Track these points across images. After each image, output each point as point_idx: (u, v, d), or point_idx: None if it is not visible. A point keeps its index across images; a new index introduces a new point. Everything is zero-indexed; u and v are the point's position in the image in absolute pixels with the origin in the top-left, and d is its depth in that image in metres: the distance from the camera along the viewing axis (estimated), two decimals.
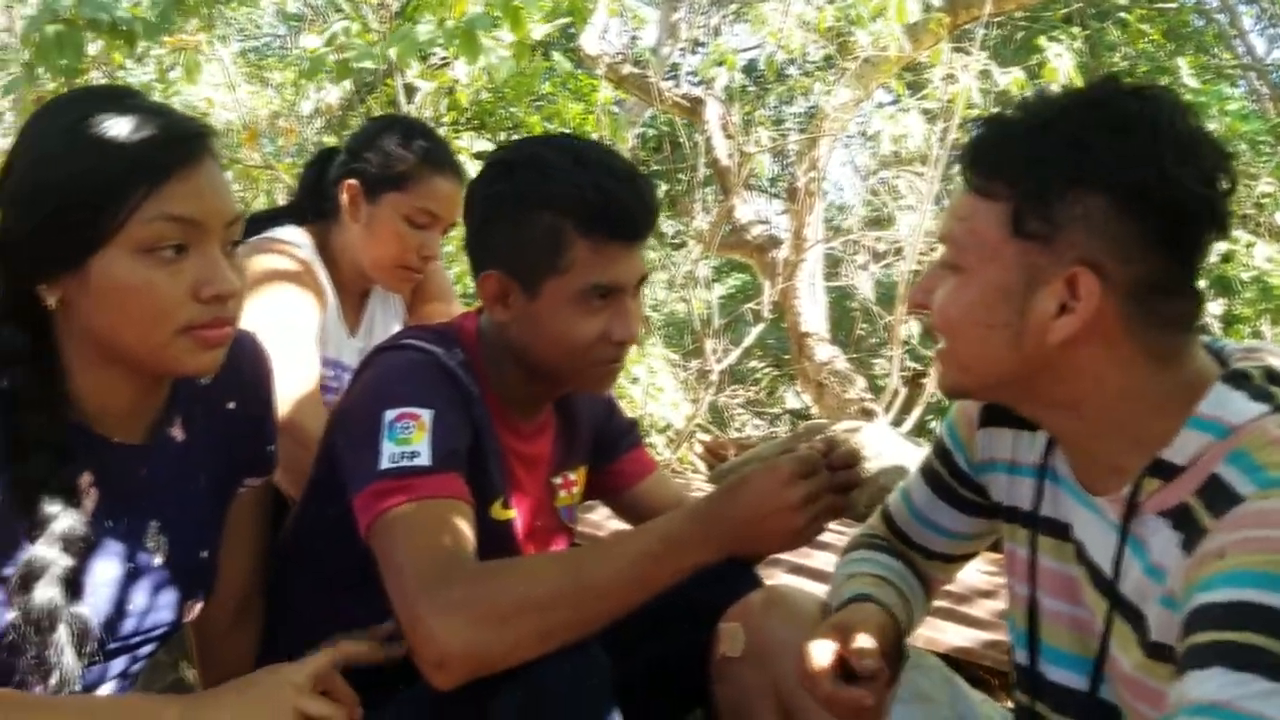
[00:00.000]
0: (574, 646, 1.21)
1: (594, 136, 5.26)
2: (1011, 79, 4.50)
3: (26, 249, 1.11)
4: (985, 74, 4.56)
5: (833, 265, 6.00)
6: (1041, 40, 4.73)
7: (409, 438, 1.31)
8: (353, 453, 1.35)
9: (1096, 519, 1.13)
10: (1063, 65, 4.41)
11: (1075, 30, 6.86)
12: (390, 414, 1.33)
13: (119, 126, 1.11)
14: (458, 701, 1.19)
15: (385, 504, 1.27)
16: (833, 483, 1.30)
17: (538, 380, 1.51)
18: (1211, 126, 5.33)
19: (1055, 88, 4.41)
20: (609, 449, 1.75)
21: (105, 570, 1.21)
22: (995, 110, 1.14)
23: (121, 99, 1.15)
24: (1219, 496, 0.99)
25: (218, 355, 1.19)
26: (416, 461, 1.29)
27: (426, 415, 1.33)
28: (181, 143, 1.13)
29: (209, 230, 1.14)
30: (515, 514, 1.52)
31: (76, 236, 1.09)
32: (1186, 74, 6.17)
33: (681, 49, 7.34)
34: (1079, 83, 4.45)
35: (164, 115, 1.15)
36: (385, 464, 1.29)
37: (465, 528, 1.27)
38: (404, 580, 1.21)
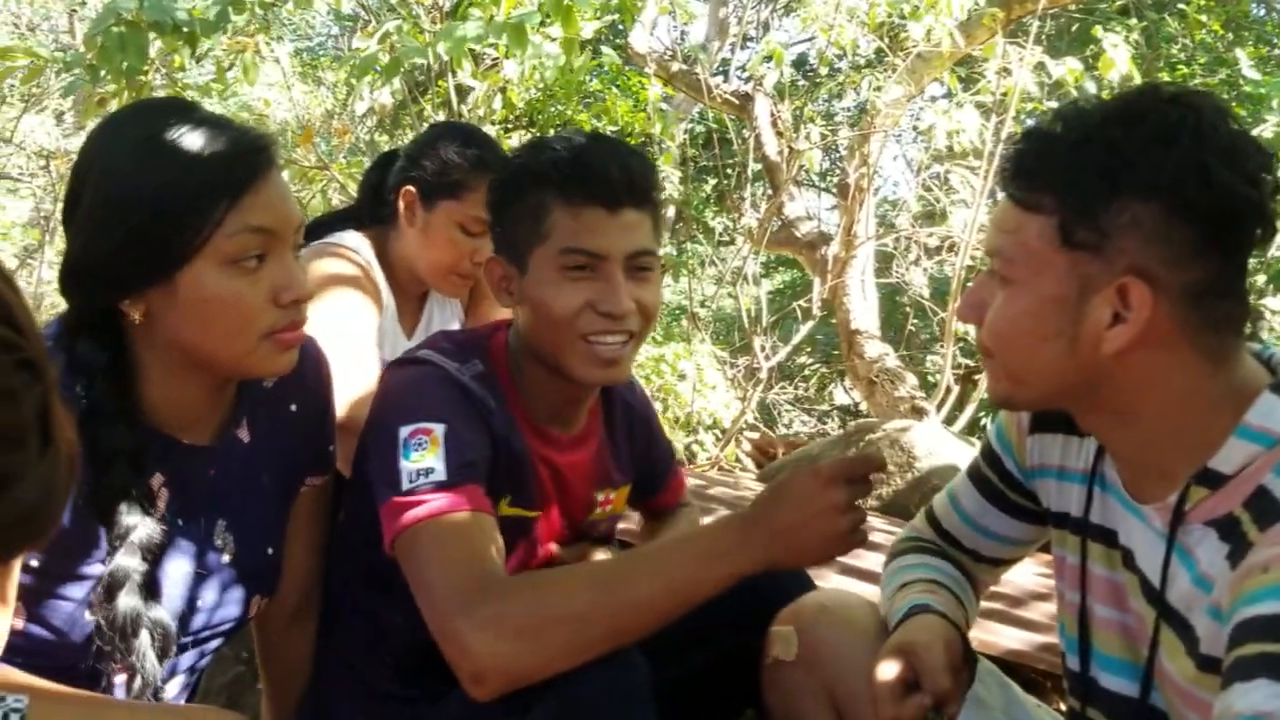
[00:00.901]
0: (611, 655, 1.21)
1: (643, 134, 5.27)
2: (1066, 69, 4.43)
3: (109, 268, 1.14)
4: (1040, 66, 4.49)
5: (884, 261, 5.95)
6: (1097, 30, 4.64)
7: (423, 454, 1.32)
8: (376, 466, 1.37)
9: (1143, 527, 1.13)
10: (1120, 56, 4.32)
11: (1132, 22, 6.74)
12: (405, 430, 1.34)
13: (189, 141, 1.14)
14: (497, 710, 1.20)
15: (407, 519, 1.28)
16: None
17: (557, 377, 1.47)
18: (1273, 119, 5.23)
19: (1114, 77, 4.33)
20: (651, 483, 1.76)
21: (177, 569, 1.25)
22: (1033, 123, 1.13)
23: (183, 112, 1.17)
24: (1266, 509, 0.98)
25: (293, 356, 1.23)
26: (433, 477, 1.30)
27: (439, 430, 1.33)
28: (253, 155, 1.16)
29: (283, 238, 1.18)
30: (537, 515, 1.52)
31: (162, 253, 1.12)
32: (1246, 65, 6.02)
33: (731, 44, 7.33)
34: (1136, 75, 4.38)
35: (230, 128, 1.18)
36: (404, 481, 1.30)
37: (490, 539, 1.28)
38: (434, 595, 1.22)
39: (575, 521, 1.59)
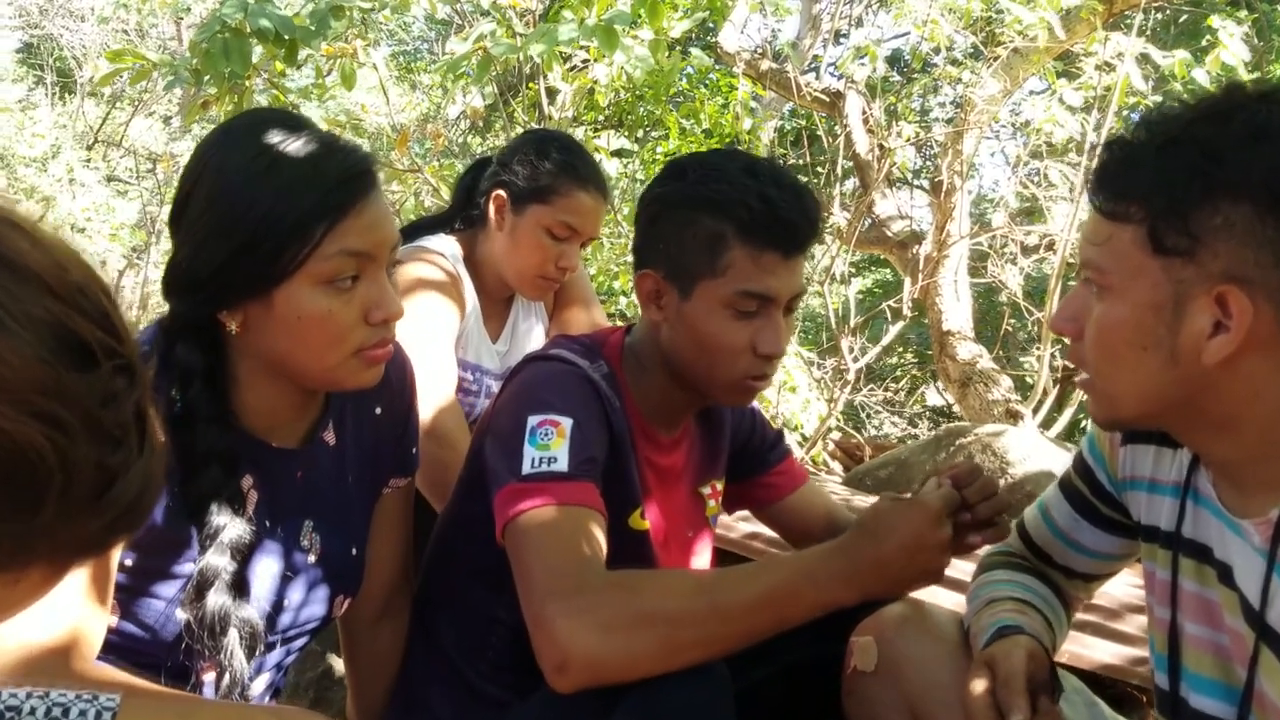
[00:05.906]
0: (696, 665, 1.21)
1: (731, 134, 5.24)
2: (1175, 61, 4.27)
3: (213, 281, 1.17)
4: (1145, 57, 4.34)
5: (979, 260, 5.82)
6: (1212, 20, 4.45)
7: (549, 443, 1.35)
8: (497, 454, 1.39)
9: (1241, 543, 1.08)
10: (1236, 45, 4.14)
11: (1242, 14, 6.47)
12: (533, 419, 1.37)
13: (297, 162, 1.17)
14: (578, 708, 1.20)
15: (521, 506, 1.30)
16: (976, 517, 1.30)
17: (681, 389, 1.52)
18: None
19: (1230, 61, 4.15)
20: (757, 462, 1.75)
21: (266, 568, 1.29)
22: (1118, 133, 1.09)
23: (293, 128, 1.20)
24: None
25: (379, 371, 1.27)
26: (554, 467, 1.33)
27: (567, 423, 1.37)
28: (355, 179, 1.19)
29: (378, 259, 1.21)
30: (649, 524, 1.54)
31: (261, 271, 1.16)
32: None
33: (823, 40, 7.24)
34: (1244, 71, 4.20)
35: (335, 149, 1.21)
36: (526, 468, 1.33)
37: (597, 536, 1.30)
38: (533, 581, 1.24)
39: (689, 519, 1.62)
